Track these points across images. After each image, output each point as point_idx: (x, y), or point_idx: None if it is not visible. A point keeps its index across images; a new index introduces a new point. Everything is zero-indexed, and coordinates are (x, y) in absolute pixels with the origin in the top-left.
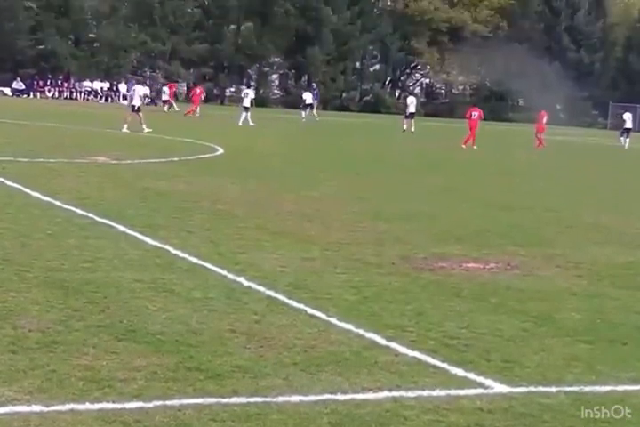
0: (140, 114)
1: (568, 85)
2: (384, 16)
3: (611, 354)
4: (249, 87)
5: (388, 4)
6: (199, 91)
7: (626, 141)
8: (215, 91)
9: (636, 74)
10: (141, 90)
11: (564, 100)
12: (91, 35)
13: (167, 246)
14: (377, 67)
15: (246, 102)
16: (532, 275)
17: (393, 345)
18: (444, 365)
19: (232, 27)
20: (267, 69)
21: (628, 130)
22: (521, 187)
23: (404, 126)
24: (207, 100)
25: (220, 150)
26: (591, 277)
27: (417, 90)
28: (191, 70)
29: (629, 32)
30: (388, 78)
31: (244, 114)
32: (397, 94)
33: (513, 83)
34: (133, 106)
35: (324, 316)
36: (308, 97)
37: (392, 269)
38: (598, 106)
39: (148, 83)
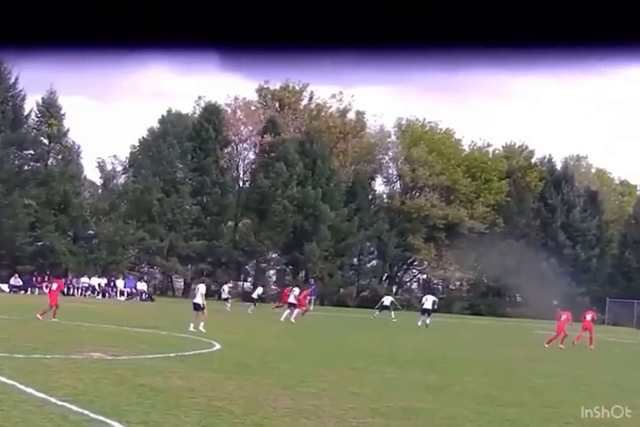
0: (205, 311)
1: (565, 281)
2: (381, 213)
3: None
4: (295, 286)
5: (385, 200)
6: (305, 292)
7: None
8: (213, 287)
9: (633, 270)
10: (203, 289)
11: (561, 295)
12: (89, 231)
13: None
14: (374, 263)
15: (291, 299)
16: None
17: None
18: None
19: (230, 223)
20: (264, 265)
21: None
22: (519, 383)
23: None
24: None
25: (217, 346)
26: None
27: (414, 285)
28: (189, 266)
29: (624, 229)
30: (385, 274)
31: (287, 311)
32: (394, 290)
33: (510, 279)
34: (196, 304)
35: None
36: (387, 300)
37: None
38: (596, 301)
39: (145, 279)
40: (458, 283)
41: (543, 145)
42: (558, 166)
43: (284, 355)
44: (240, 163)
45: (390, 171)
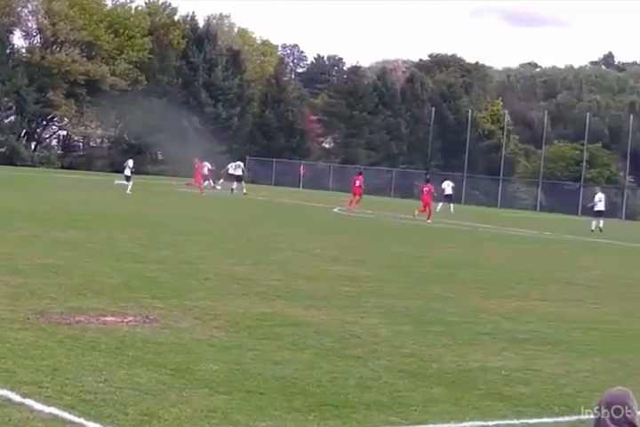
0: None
1: (207, 139)
2: (20, 67)
3: (248, 404)
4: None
5: (24, 55)
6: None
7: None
8: None
9: (273, 129)
10: (131, 163)
11: (202, 153)
12: None
13: None
14: (12, 118)
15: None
16: (170, 327)
17: (28, 402)
18: (81, 420)
19: None
20: None
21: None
22: (159, 240)
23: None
24: None
25: None
26: (229, 328)
27: (54, 142)
28: None
29: (265, 88)
30: (24, 130)
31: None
32: (34, 147)
33: (151, 136)
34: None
35: None
36: (448, 188)
37: (27, 324)
38: (235, 159)
39: None
40: (99, 140)
41: (186, 3)
42: (201, 25)
43: None
44: None
45: (30, 24)
